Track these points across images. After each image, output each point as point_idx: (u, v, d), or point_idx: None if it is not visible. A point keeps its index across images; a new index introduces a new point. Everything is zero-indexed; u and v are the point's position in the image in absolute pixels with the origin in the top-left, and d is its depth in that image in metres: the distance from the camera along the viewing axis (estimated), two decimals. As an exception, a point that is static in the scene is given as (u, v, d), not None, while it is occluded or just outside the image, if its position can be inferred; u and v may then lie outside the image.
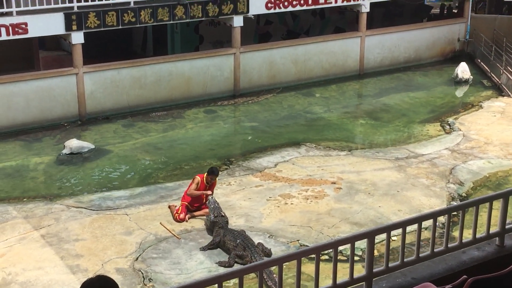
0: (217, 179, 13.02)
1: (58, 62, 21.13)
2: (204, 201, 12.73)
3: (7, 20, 16.63)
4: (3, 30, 16.58)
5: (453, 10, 26.74)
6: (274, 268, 9.88)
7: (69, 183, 14.55)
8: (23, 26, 16.85)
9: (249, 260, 10.73)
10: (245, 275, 6.17)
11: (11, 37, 16.85)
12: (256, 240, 11.48)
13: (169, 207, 12.98)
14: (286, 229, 12.17)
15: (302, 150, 16.23)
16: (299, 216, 12.65)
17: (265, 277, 9.99)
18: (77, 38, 17.63)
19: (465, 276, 5.34)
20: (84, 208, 13.16)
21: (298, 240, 11.78)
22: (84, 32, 17.66)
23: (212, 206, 12.07)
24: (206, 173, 12.77)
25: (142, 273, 10.75)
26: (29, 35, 17.30)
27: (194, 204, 12.72)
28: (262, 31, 24.55)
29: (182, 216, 12.48)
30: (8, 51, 19.63)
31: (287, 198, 13.43)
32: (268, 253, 11.14)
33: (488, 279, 5.12)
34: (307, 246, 11.35)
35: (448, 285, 5.06)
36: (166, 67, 19.35)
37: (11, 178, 14.81)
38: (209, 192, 12.64)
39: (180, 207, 12.62)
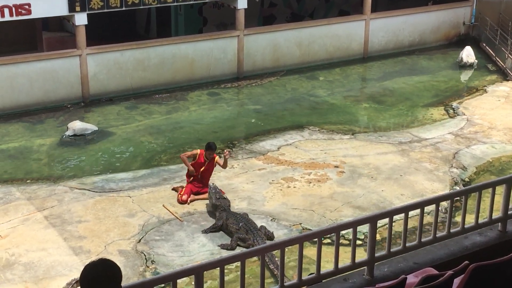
0: (218, 156, 12.96)
1: (61, 44, 21.10)
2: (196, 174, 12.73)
3: (10, 1, 16.56)
4: (6, 11, 16.53)
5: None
6: (276, 252, 9.91)
7: (72, 165, 14.58)
8: (26, 7, 16.79)
9: (251, 243, 10.76)
10: (247, 258, 6.20)
11: (14, 18, 16.80)
12: (259, 223, 11.52)
13: (174, 189, 13.02)
14: (289, 213, 12.19)
15: (305, 133, 16.21)
16: (302, 200, 12.67)
17: (267, 260, 10.02)
18: (81, 19, 17.57)
19: (466, 262, 5.35)
20: (87, 190, 13.19)
21: (300, 224, 11.80)
22: (87, 14, 17.60)
23: (213, 190, 12.13)
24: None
25: (144, 255, 10.80)
26: (33, 16, 17.24)
27: (196, 188, 12.74)
28: (266, 13, 24.45)
29: (184, 197, 12.53)
30: (11, 32, 19.62)
31: (289, 181, 13.44)
32: (270, 236, 11.17)
33: (490, 265, 5.12)
34: (310, 229, 11.37)
35: (449, 271, 5.07)
36: (169, 49, 19.29)
37: (14, 159, 14.84)
38: (191, 168, 12.58)
39: (184, 189, 12.66)
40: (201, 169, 12.76)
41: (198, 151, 12.91)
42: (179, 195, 12.62)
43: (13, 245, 11.08)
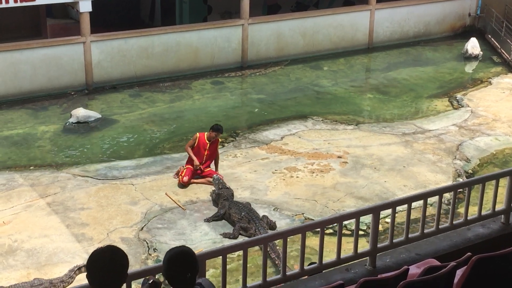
0: (219, 139, 13.06)
1: (65, 31, 21.05)
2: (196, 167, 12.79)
3: (14, -13, 16.54)
4: (10, -3, 16.50)
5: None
6: (278, 241, 9.92)
7: (75, 152, 14.58)
8: (31, -7, 16.77)
9: (253, 233, 10.77)
10: (250, 247, 6.21)
11: (19, 4, 16.76)
12: (261, 212, 11.52)
13: (177, 172, 13.09)
14: (291, 202, 12.20)
15: (308, 123, 16.18)
16: (304, 190, 12.67)
17: (268, 250, 10.03)
18: (85, 6, 17.52)
19: (469, 253, 5.35)
20: (90, 177, 13.20)
21: (303, 213, 11.81)
22: (92, 1, 17.54)
23: (216, 180, 12.17)
24: (210, 129, 12.81)
25: (147, 243, 10.81)
26: (37, 2, 17.20)
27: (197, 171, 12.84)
28: (271, 2, 24.36)
29: (185, 179, 12.60)
30: (16, 18, 19.58)
31: (292, 171, 13.43)
32: (272, 225, 11.18)
33: (493, 257, 5.11)
34: (312, 219, 11.39)
35: (452, 262, 5.07)
36: (174, 38, 19.24)
37: (17, 146, 14.85)
38: (196, 162, 12.69)
39: (185, 170, 12.71)
40: (205, 154, 12.78)
41: (197, 134, 12.92)
42: (180, 176, 12.67)
43: (15, 231, 11.11)
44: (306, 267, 6.39)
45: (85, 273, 4.13)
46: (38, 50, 17.48)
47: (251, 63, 20.42)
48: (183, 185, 12.63)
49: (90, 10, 17.60)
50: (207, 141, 12.78)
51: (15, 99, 17.19)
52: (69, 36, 18.49)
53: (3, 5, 16.52)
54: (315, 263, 6.65)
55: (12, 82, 17.18)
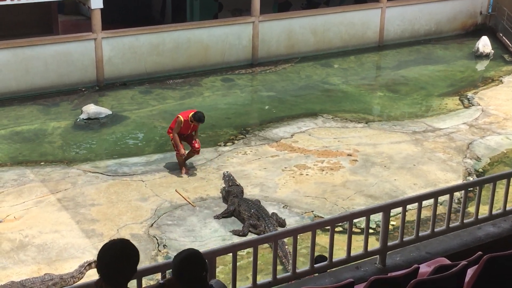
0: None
1: (76, 27, 21.12)
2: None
3: (26, -16, 16.61)
4: (22, -7, 16.57)
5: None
6: (287, 240, 9.93)
7: (86, 148, 14.64)
8: (42, -11, 16.83)
9: (262, 230, 10.79)
10: (260, 244, 6.22)
11: (30, 0, 16.83)
12: (271, 210, 11.53)
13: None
14: (301, 200, 12.20)
15: (318, 121, 16.17)
16: (314, 187, 12.67)
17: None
18: (96, 3, 17.56)
19: (480, 253, 5.34)
20: (101, 173, 13.24)
21: (312, 211, 11.81)
22: (103, -3, 17.61)
23: (226, 177, 12.21)
24: (191, 116, 12.91)
25: (156, 239, 10.85)
26: (48, -1, 17.27)
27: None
28: (282, 0, 24.33)
29: (182, 151, 12.89)
30: (27, 15, 19.66)
31: (302, 169, 13.43)
32: (282, 223, 11.19)
33: (504, 257, 5.10)
34: (321, 217, 11.39)
35: (463, 261, 5.06)
36: (184, 35, 19.26)
37: (29, 141, 14.92)
38: (182, 151, 12.89)
39: (173, 143, 12.99)
40: (189, 131, 13.05)
41: (181, 118, 12.94)
42: (176, 154, 12.97)
43: (26, 227, 11.17)
44: (316, 265, 6.40)
45: (96, 268, 4.18)
46: (50, 46, 17.55)
47: (261, 60, 20.41)
48: (181, 157, 12.98)
49: (101, 7, 17.65)
50: (190, 122, 12.92)
51: (27, 95, 17.27)
52: (80, 32, 18.53)
53: (15, 1, 16.60)
54: (322, 256, 6.66)
55: (24, 78, 17.25)
